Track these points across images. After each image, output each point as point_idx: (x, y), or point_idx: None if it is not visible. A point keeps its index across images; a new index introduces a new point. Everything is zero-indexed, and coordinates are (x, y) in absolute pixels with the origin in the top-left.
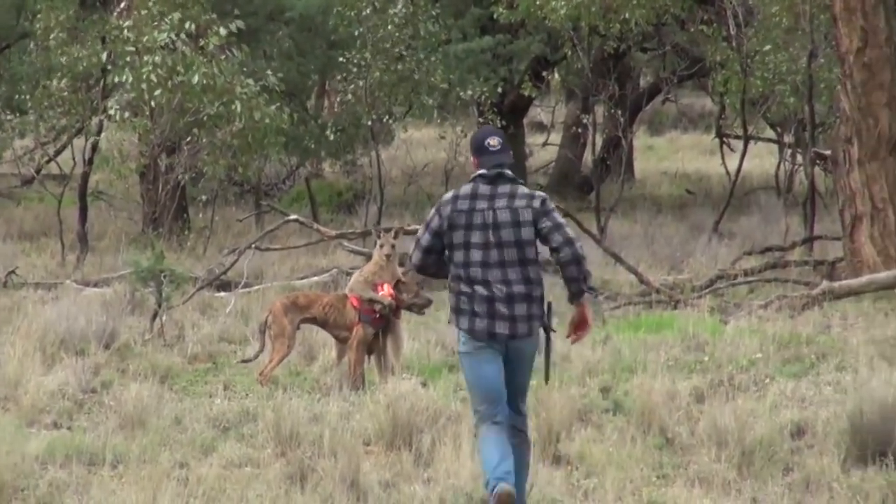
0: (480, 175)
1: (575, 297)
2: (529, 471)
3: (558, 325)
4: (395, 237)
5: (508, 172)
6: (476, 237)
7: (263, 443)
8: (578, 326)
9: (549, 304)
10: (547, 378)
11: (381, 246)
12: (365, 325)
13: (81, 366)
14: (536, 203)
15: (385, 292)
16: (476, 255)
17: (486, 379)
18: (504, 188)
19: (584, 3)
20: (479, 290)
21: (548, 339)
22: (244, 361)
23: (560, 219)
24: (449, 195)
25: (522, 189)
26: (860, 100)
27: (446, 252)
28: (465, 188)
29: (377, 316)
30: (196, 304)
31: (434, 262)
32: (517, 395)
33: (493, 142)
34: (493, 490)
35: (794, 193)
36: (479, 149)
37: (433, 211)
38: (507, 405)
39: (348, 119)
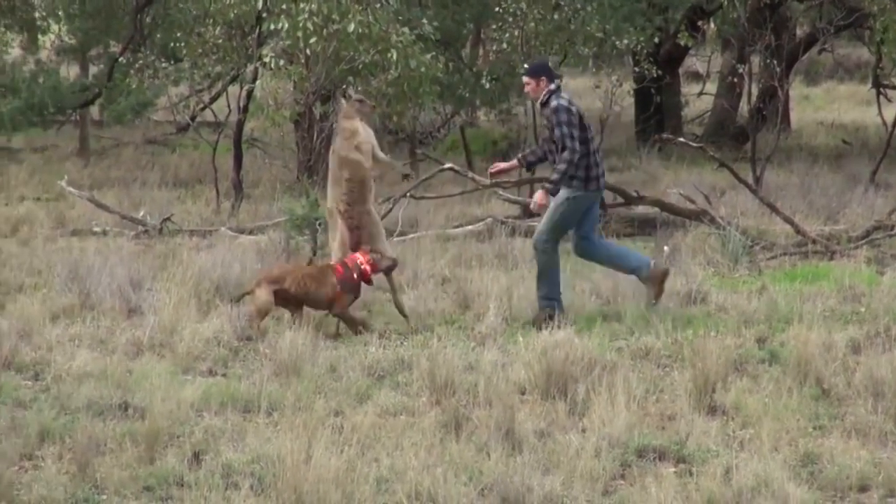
0: (559, 88)
1: None
2: None
3: None
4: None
5: None
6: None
7: (418, 391)
8: None
9: None
10: None
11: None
12: (346, 293)
13: (236, 313)
14: None
15: (361, 260)
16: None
17: (574, 222)
18: None
19: None
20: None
21: None
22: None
23: None
24: (568, 99)
25: None
26: None
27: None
28: (568, 95)
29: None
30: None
31: None
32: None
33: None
34: (554, 312)
35: None
36: (551, 71)
37: (569, 115)
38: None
39: (503, 68)
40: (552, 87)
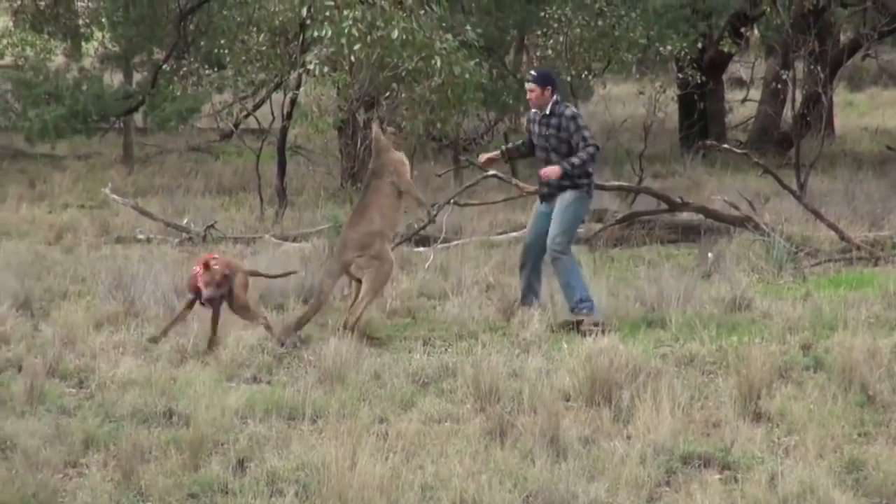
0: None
1: None
2: None
3: None
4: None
5: None
6: None
7: (463, 398)
8: None
9: None
10: None
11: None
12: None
13: (280, 321)
14: None
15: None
16: None
17: (580, 223)
18: None
19: None
20: None
21: None
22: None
23: None
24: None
25: None
26: None
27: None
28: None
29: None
30: (395, 258)
31: None
32: None
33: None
34: (593, 312)
35: None
36: (556, 83)
37: (583, 120)
38: None
39: None
40: (556, 98)
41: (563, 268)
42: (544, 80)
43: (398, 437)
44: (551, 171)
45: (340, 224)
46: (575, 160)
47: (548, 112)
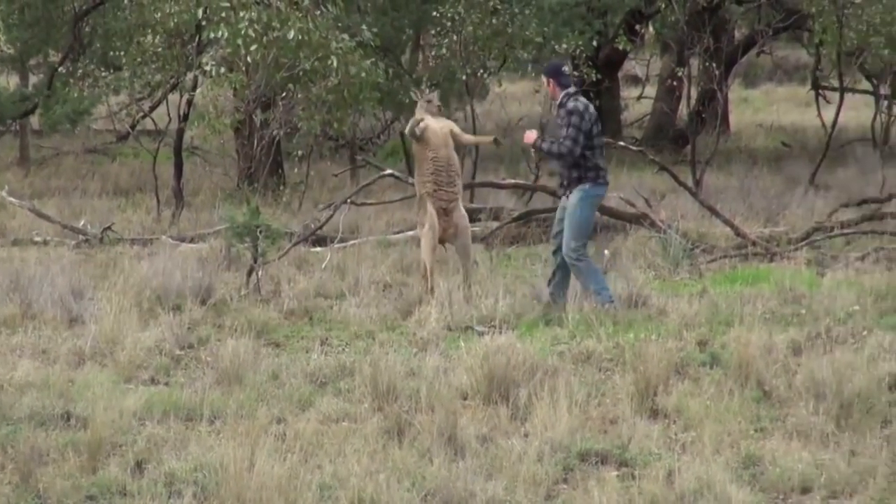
0: (577, 91)
1: None
2: None
3: None
4: None
5: None
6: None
7: (360, 397)
8: None
9: None
10: None
11: None
12: None
13: (178, 321)
14: None
15: None
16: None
17: (593, 220)
18: None
19: None
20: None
21: None
22: None
23: None
24: (584, 104)
25: None
26: None
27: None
28: (585, 100)
29: None
30: (292, 259)
31: None
32: None
33: (566, 69)
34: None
35: (890, 145)
36: (560, 75)
37: (580, 117)
38: None
39: (443, 73)
40: (569, 90)
41: (582, 273)
42: (546, 73)
43: (296, 437)
44: (528, 134)
45: (238, 225)
46: (553, 146)
47: (559, 103)
